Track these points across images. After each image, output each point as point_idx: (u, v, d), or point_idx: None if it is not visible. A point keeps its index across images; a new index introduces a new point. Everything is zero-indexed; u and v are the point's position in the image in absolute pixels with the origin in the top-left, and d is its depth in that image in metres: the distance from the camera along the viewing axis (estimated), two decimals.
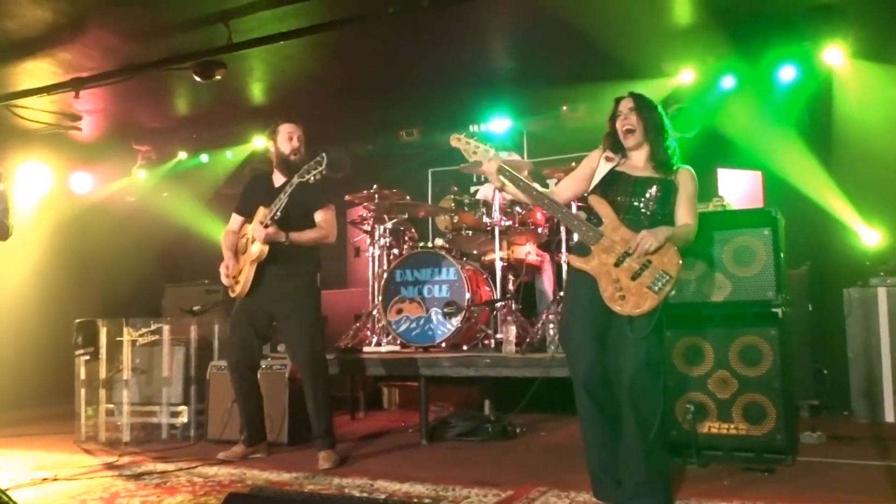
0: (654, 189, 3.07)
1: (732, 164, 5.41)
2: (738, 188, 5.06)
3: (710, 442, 3.75)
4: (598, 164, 3.22)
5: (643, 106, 3.12)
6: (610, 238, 3.01)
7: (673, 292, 2.98)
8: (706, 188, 4.59)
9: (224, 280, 4.31)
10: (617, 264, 2.97)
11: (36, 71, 5.93)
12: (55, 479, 3.77)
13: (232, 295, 4.32)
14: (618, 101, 3.18)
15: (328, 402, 4.23)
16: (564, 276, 5.46)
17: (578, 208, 3.75)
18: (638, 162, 3.14)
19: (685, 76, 6.09)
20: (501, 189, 3.29)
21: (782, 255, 3.80)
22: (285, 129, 4.31)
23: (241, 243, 4.31)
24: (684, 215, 3.08)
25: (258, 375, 4.45)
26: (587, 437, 3.10)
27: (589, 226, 3.06)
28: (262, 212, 4.12)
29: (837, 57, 5.62)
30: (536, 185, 3.24)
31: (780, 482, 3.41)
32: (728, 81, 6.05)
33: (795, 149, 5.77)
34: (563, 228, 5.50)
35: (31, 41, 5.37)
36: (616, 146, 3.17)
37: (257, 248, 4.11)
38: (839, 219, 5.63)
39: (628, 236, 2.98)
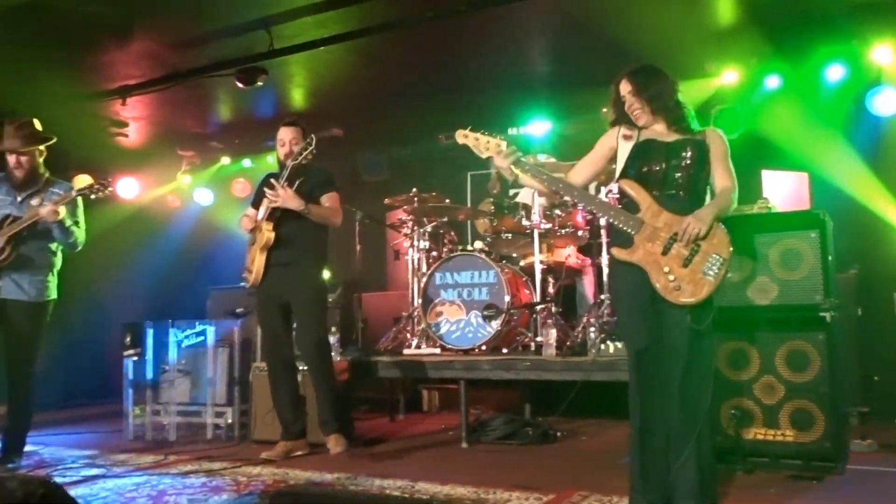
0: (688, 151, 2.91)
1: (778, 165, 5.32)
2: (783, 190, 4.97)
3: (756, 448, 3.68)
4: (617, 143, 3.06)
5: (642, 83, 2.97)
6: (652, 225, 2.85)
7: (729, 274, 2.83)
8: (751, 190, 4.51)
9: (245, 223, 4.48)
10: (664, 252, 2.82)
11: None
12: (105, 477, 3.87)
13: (247, 286, 4.46)
14: (616, 85, 3.04)
15: (333, 388, 4.34)
16: (605, 278, 5.43)
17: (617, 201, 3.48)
18: (661, 130, 3.00)
19: (728, 76, 6.01)
20: (515, 180, 3.15)
21: (830, 258, 3.71)
22: (278, 136, 4.44)
23: (253, 234, 4.42)
24: (721, 177, 2.93)
25: (298, 375, 4.52)
26: (637, 439, 2.94)
27: (627, 214, 2.91)
28: (266, 199, 4.28)
29: (887, 55, 5.49)
30: (562, 177, 3.12)
31: (828, 491, 3.34)
32: (773, 81, 5.95)
33: (843, 150, 5.65)
34: (604, 231, 5.46)
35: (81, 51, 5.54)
36: (631, 123, 3.04)
37: (266, 236, 4.24)
38: (888, 222, 5.49)
39: (671, 220, 2.83)
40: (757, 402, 3.70)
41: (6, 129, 4.21)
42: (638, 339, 2.94)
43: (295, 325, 4.47)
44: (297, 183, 4.24)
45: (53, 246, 4.33)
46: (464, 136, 3.21)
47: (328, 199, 4.41)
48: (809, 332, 3.61)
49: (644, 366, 2.91)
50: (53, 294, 4.33)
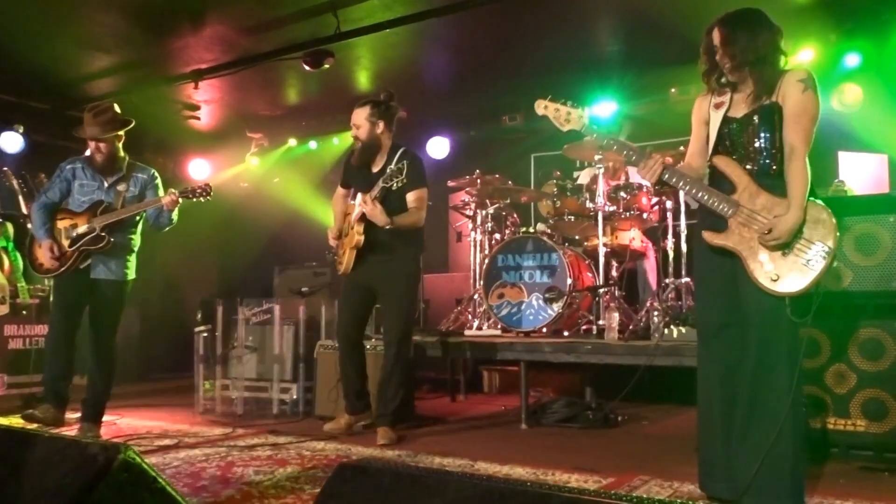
0: (755, 121, 2.69)
1: (856, 146, 5.10)
2: (861, 172, 4.77)
3: (826, 438, 3.58)
4: (708, 114, 2.84)
5: (731, 32, 2.68)
6: (748, 208, 2.64)
7: (834, 263, 2.60)
8: (826, 172, 4.35)
9: (331, 241, 4.51)
10: (781, 247, 2.61)
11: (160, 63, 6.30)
12: (177, 447, 4.04)
13: (339, 271, 4.50)
14: (709, 32, 2.77)
15: (404, 385, 4.35)
16: (671, 263, 5.34)
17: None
18: (746, 94, 2.75)
19: (804, 55, 5.78)
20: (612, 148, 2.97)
21: None
22: (352, 118, 4.39)
23: (345, 227, 4.46)
24: (788, 132, 2.63)
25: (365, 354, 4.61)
26: (705, 425, 2.87)
27: (722, 195, 2.69)
28: (359, 199, 4.26)
29: None
30: (657, 156, 2.87)
31: None
32: (852, 59, 5.71)
33: None
34: (670, 214, 5.37)
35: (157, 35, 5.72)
36: (712, 81, 2.81)
37: (356, 238, 4.24)
38: None
39: (770, 203, 2.60)
40: (827, 391, 3.60)
41: (85, 117, 4.32)
42: (710, 323, 2.86)
43: (382, 315, 4.50)
44: (389, 172, 4.12)
45: (136, 228, 4.52)
46: (543, 107, 3.02)
47: (415, 199, 4.27)
48: (885, 320, 3.48)
49: (715, 350, 2.83)
50: (133, 274, 4.52)
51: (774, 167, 2.69)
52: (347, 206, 4.50)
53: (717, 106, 2.81)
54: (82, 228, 4.30)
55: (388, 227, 4.16)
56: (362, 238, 4.25)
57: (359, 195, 4.29)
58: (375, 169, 4.36)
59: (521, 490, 0.97)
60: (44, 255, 4.33)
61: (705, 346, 2.91)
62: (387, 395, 4.29)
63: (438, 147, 7.83)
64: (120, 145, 4.43)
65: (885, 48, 5.54)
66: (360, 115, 4.34)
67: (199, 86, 6.51)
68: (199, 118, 7.68)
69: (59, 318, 4.43)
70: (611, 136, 2.99)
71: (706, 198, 2.73)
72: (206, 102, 7.34)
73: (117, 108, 4.40)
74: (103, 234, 4.28)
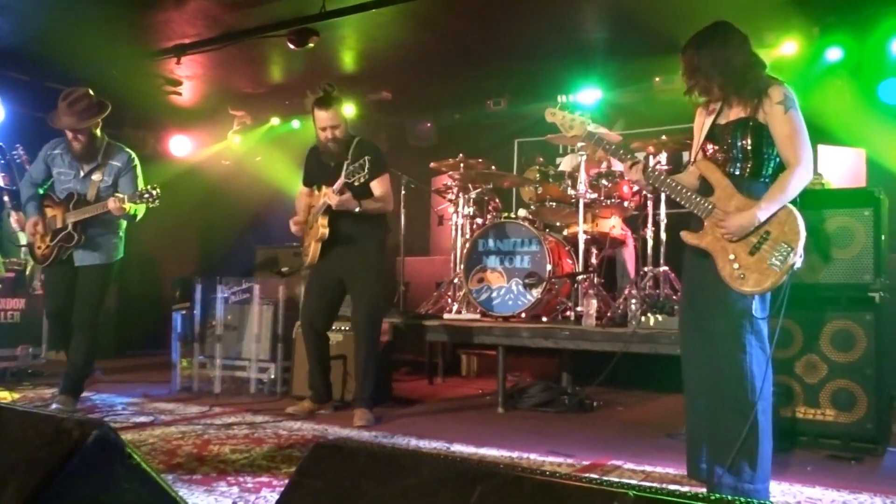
0: (733, 130, 2.79)
1: (834, 140, 5.16)
2: (839, 166, 4.82)
3: (795, 426, 3.65)
4: (704, 121, 2.95)
5: (700, 57, 2.82)
6: (723, 209, 2.75)
7: (799, 264, 2.69)
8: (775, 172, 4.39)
9: (293, 228, 4.52)
10: (736, 240, 2.73)
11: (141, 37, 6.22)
12: (153, 424, 4.03)
13: (304, 265, 4.55)
14: (682, 55, 2.90)
15: (377, 367, 4.38)
16: (650, 251, 5.39)
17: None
18: (731, 104, 2.85)
19: (787, 48, 5.82)
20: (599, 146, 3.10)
21: (883, 237, 3.62)
22: (318, 120, 4.30)
23: (310, 219, 4.45)
24: (784, 151, 2.74)
25: (331, 338, 4.64)
26: (689, 412, 3.00)
27: (699, 198, 2.81)
28: (322, 192, 4.27)
29: None
30: (639, 157, 3.06)
31: (866, 471, 3.31)
32: (834, 53, 5.74)
33: None
34: (650, 203, 5.41)
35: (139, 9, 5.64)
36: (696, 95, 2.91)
37: (321, 231, 4.25)
38: None
39: (743, 205, 2.71)
40: (798, 381, 3.66)
41: (59, 106, 4.22)
42: (690, 314, 2.97)
43: (351, 301, 4.50)
44: (350, 168, 4.07)
45: None
46: (551, 115, 3.18)
47: (379, 185, 4.31)
48: (856, 312, 3.55)
49: (695, 340, 2.93)
50: (121, 253, 4.52)
51: (746, 174, 2.79)
52: (311, 199, 4.50)
53: (710, 112, 2.92)
54: (58, 225, 4.33)
55: (357, 210, 4.17)
56: (327, 231, 4.27)
57: (323, 188, 4.30)
58: (333, 163, 4.36)
59: (494, 472, 0.99)
60: (28, 230, 4.40)
61: (685, 335, 3.02)
62: (363, 378, 4.32)
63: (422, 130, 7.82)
64: (98, 131, 4.38)
65: (866, 43, 5.59)
66: (335, 115, 4.29)
67: (181, 61, 6.44)
68: (180, 94, 7.59)
69: (49, 306, 4.53)
70: (610, 143, 3.09)
71: (683, 200, 2.87)
72: (188, 78, 7.25)
73: (92, 94, 4.30)
74: (74, 232, 4.29)
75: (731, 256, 2.73)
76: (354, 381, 4.45)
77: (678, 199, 2.89)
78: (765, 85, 2.80)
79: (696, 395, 2.95)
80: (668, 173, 3.11)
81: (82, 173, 4.38)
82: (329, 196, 4.16)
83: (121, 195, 4.21)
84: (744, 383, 2.74)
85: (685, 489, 2.58)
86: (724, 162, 2.82)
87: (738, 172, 2.80)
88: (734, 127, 2.81)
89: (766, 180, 2.79)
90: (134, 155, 4.48)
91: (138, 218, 4.40)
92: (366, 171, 4.00)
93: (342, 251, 4.33)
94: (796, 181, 2.70)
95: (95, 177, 4.36)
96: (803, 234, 2.67)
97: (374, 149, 4.38)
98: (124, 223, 4.50)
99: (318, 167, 4.45)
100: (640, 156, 5.17)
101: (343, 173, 4.09)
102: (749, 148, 2.78)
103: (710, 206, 2.78)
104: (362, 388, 4.31)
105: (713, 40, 2.85)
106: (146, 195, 4.19)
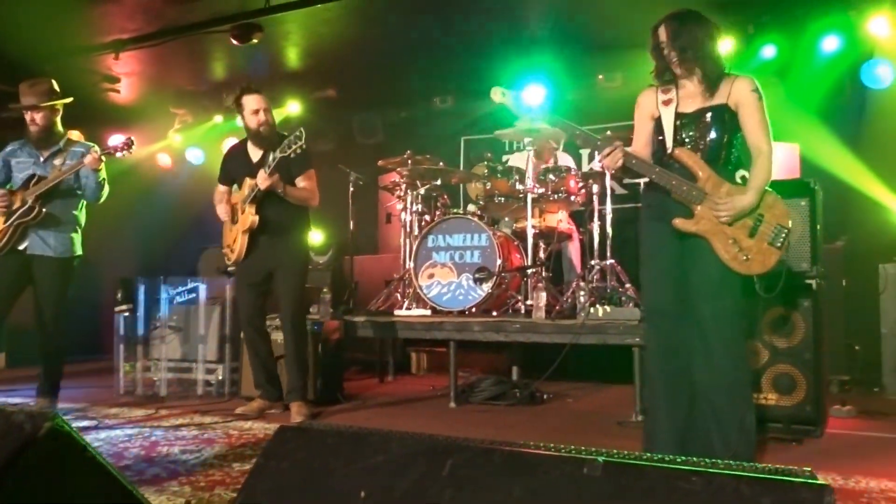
0: (707, 118, 2.87)
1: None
2: (774, 160, 4.98)
3: None
4: (657, 110, 2.98)
5: (683, 26, 2.89)
6: (714, 195, 2.82)
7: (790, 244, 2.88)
8: (739, 159, 4.54)
9: (223, 213, 4.46)
10: (731, 223, 2.83)
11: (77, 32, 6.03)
12: (97, 428, 3.91)
13: (228, 263, 4.49)
14: (654, 31, 2.95)
15: (306, 359, 4.42)
16: (595, 245, 5.47)
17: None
18: (692, 90, 2.92)
19: (723, 45, 5.98)
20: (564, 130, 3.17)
21: (819, 227, 3.76)
22: (249, 104, 4.29)
23: (234, 214, 4.40)
24: (754, 138, 2.87)
25: (274, 337, 4.59)
26: (650, 398, 3.03)
27: (690, 185, 2.85)
28: (249, 182, 4.22)
29: (883, 27, 5.49)
30: (619, 143, 2.96)
31: (806, 452, 3.43)
32: (769, 51, 5.95)
33: (833, 122, 5.69)
34: (595, 198, 5.49)
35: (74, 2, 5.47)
36: (665, 77, 2.96)
37: (250, 219, 4.20)
38: (874, 195, 5.55)
39: (733, 192, 2.81)
40: None
41: (21, 88, 4.23)
42: (657, 300, 3.00)
43: (276, 294, 4.44)
44: (286, 142, 4.05)
45: (78, 203, 4.39)
46: (501, 95, 3.21)
47: (306, 179, 4.32)
48: (795, 299, 3.68)
49: (661, 327, 2.96)
50: (79, 250, 4.39)
51: (721, 161, 2.88)
52: (232, 197, 4.46)
53: (666, 103, 2.95)
54: (16, 204, 4.19)
55: (280, 193, 4.13)
56: (257, 218, 4.21)
57: (246, 179, 4.25)
58: (255, 158, 4.33)
59: (464, 445, 0.99)
60: None
61: (652, 322, 3.05)
62: (293, 372, 4.28)
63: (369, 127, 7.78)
64: (57, 120, 4.35)
65: (799, 42, 5.80)
66: (262, 99, 4.30)
67: (119, 57, 6.27)
68: (118, 91, 7.39)
69: None
70: (569, 124, 3.12)
71: (671, 187, 2.88)
72: (126, 75, 7.06)
73: (54, 84, 4.33)
74: (35, 205, 4.17)
75: (731, 240, 2.82)
76: (285, 378, 4.40)
77: (666, 186, 2.88)
78: (733, 74, 2.91)
79: (679, 384, 2.91)
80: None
81: (42, 158, 4.31)
82: (260, 177, 4.10)
83: (97, 150, 4.18)
84: (744, 364, 2.89)
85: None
86: (697, 149, 2.88)
87: (713, 159, 2.88)
88: (711, 114, 2.87)
89: (731, 167, 2.91)
90: (97, 147, 4.37)
91: (103, 195, 4.34)
92: (302, 141, 3.96)
93: (271, 241, 4.29)
94: (771, 166, 2.86)
95: (57, 161, 4.28)
96: (789, 213, 2.85)
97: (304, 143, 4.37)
98: (83, 219, 4.42)
99: (242, 162, 4.39)
100: (585, 152, 5.29)
101: (277, 151, 4.04)
102: (725, 134, 2.88)
103: (703, 193, 2.84)
104: (293, 381, 4.28)
105: (693, 18, 2.93)
106: (121, 145, 4.20)
